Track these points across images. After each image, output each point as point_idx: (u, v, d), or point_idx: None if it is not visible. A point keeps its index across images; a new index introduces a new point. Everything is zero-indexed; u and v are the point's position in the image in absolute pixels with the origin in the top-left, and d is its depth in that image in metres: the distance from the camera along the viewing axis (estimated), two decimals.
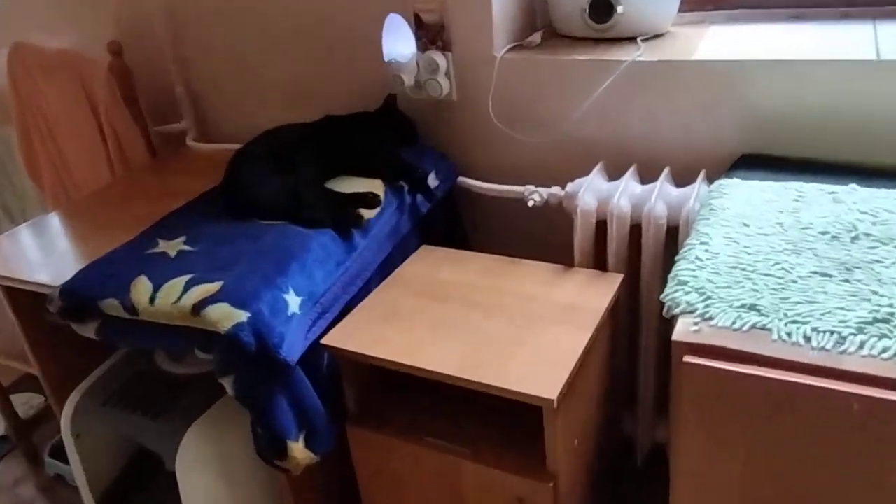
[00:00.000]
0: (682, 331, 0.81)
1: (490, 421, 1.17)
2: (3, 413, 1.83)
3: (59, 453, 1.79)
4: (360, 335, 1.15)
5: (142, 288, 1.09)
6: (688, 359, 0.79)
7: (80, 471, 1.40)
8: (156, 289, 1.08)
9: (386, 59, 1.40)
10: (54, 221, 1.48)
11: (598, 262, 1.30)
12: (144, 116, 1.75)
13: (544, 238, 1.47)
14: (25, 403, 1.97)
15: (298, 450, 1.10)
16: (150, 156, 1.76)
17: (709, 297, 0.84)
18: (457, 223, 1.54)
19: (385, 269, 1.32)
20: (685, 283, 0.87)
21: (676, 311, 0.85)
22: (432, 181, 1.41)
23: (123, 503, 1.46)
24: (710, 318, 0.82)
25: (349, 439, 1.22)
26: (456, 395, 1.20)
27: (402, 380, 1.23)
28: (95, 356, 1.43)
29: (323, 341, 1.15)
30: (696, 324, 0.82)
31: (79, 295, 1.12)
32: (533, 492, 1.07)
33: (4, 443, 1.94)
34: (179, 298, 1.06)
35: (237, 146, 1.67)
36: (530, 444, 1.11)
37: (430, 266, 1.32)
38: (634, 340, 1.35)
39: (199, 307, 1.04)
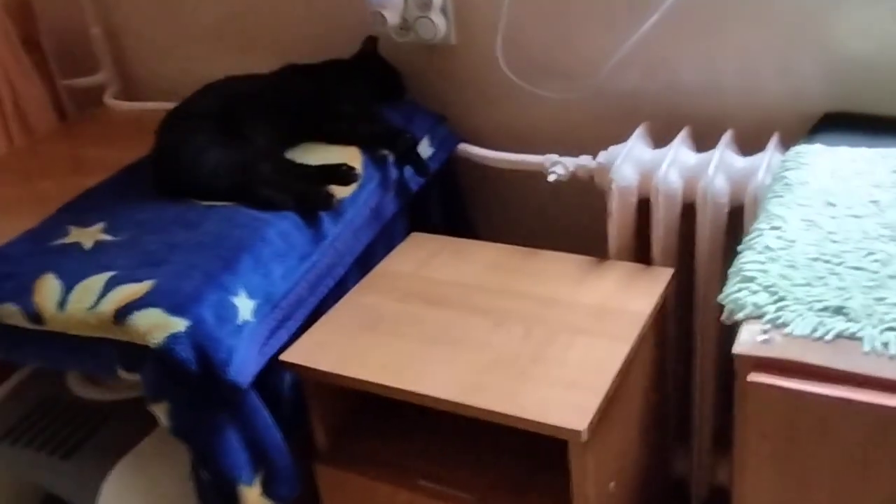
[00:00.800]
0: (748, 341, 0.82)
1: (501, 460, 1.19)
2: None
3: None
4: (331, 349, 1.16)
5: (49, 289, 1.10)
6: (754, 377, 0.79)
7: None
8: (67, 290, 1.09)
9: None
10: None
11: (640, 253, 1.31)
12: (51, 66, 1.76)
13: (569, 223, 1.49)
14: None
15: (254, 497, 1.11)
16: (58, 118, 1.77)
17: (782, 298, 0.85)
18: (457, 204, 1.55)
19: (364, 263, 1.33)
20: (751, 279, 0.88)
21: (740, 315, 0.85)
22: (425, 149, 1.42)
23: None
24: (784, 325, 0.82)
25: (318, 483, 1.24)
26: (457, 427, 1.22)
27: (387, 407, 1.25)
28: None
29: (283, 357, 1.16)
30: (764, 332, 0.82)
31: None
32: None
33: None
34: (98, 302, 1.07)
35: (171, 105, 1.69)
36: (553, 488, 1.12)
37: (423, 259, 1.33)
38: (688, 355, 1.36)
39: (122, 313, 1.04)
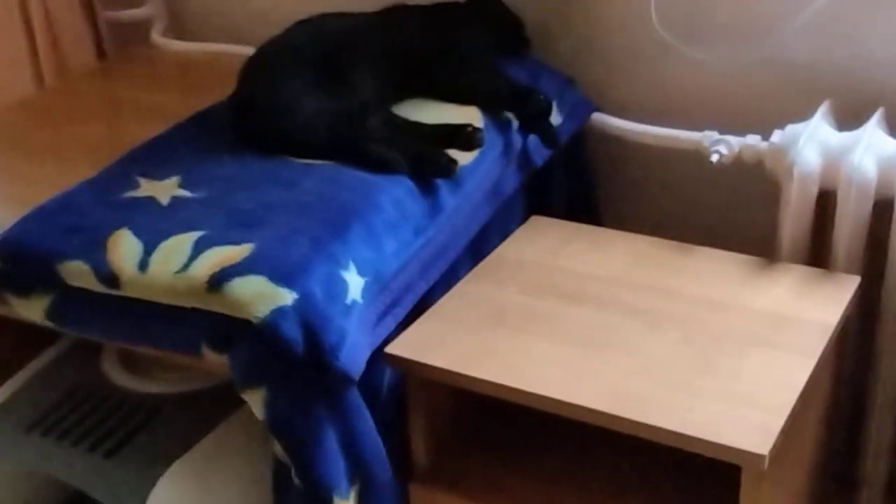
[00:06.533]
0: None
1: (637, 489, 1.21)
2: None
3: None
4: (446, 344, 1.19)
5: (126, 246, 1.13)
6: None
7: None
8: (148, 249, 1.12)
9: None
10: None
11: (816, 255, 1.33)
12: None
13: (726, 215, 1.51)
14: None
15: None
16: (97, 55, 1.82)
17: None
18: (586, 185, 1.58)
19: (475, 248, 1.36)
20: None
21: None
22: (553, 117, 1.44)
23: None
24: None
25: None
26: (582, 449, 1.25)
27: (498, 423, 1.29)
28: (4, 364, 1.48)
29: (389, 349, 1.18)
30: None
31: (26, 252, 1.16)
32: None
33: None
34: (187, 266, 1.09)
35: (229, 47, 1.73)
36: None
37: (551, 247, 1.36)
38: (861, 385, 1.38)
39: (218, 279, 1.07)
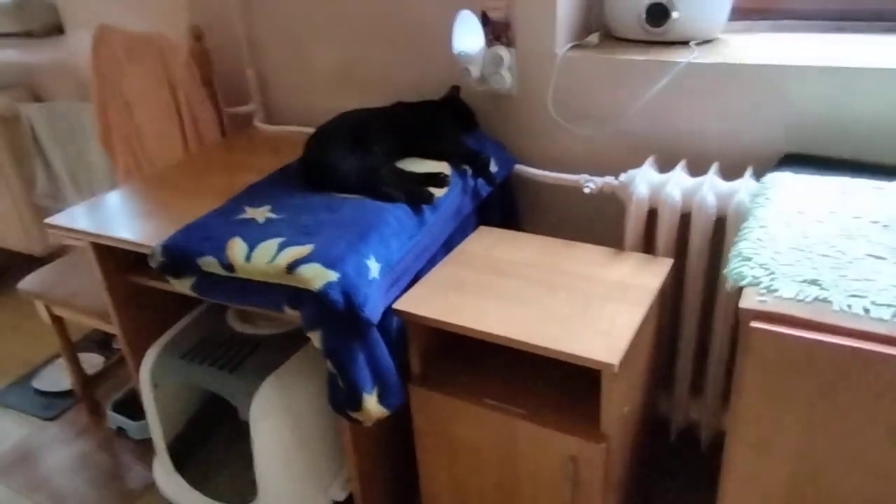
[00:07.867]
0: (749, 300, 0.86)
1: (545, 388, 1.22)
2: (71, 368, 1.88)
3: (122, 408, 1.84)
4: (429, 302, 1.20)
5: (237, 248, 1.14)
6: (755, 324, 0.83)
7: (155, 418, 1.45)
8: (251, 249, 1.14)
9: (455, 51, 1.44)
10: (139, 189, 1.53)
11: (647, 247, 1.35)
12: (218, 98, 1.80)
13: (593, 224, 1.52)
14: (84, 363, 2.02)
15: (372, 403, 1.15)
16: (221, 134, 1.82)
17: (772, 272, 0.89)
18: (512, 207, 1.58)
19: (447, 245, 1.37)
20: (749, 258, 0.92)
21: (743, 283, 0.89)
22: (493, 167, 1.45)
23: (192, 448, 1.52)
24: (775, 291, 0.86)
25: (411, 399, 1.27)
26: (513, 363, 1.26)
27: (464, 347, 1.29)
28: (167, 318, 1.49)
29: (395, 306, 1.19)
30: (761, 294, 0.86)
31: (179, 252, 1.18)
32: (586, 451, 1.12)
33: (69, 397, 1.99)
34: (274, 258, 1.11)
35: (300, 129, 1.74)
36: (583, 409, 1.16)
37: (489, 245, 1.37)
38: (674, 324, 1.40)
39: (292, 266, 1.09)
